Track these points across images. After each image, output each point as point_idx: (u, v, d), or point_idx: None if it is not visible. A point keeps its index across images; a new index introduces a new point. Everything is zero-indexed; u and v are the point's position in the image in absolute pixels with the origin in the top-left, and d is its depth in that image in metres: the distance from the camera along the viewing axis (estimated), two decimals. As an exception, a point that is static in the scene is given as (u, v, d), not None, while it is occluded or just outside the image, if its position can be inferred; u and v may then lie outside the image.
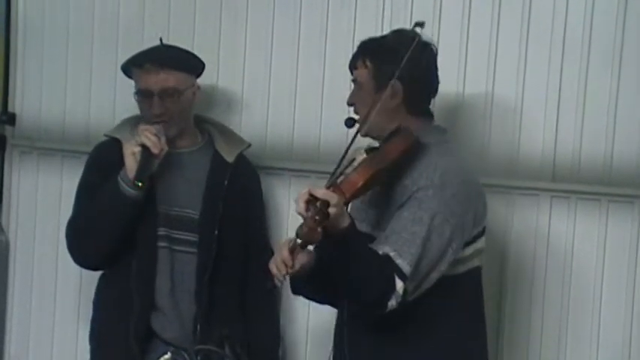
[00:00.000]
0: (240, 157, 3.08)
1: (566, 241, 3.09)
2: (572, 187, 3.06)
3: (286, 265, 2.38)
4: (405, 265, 2.30)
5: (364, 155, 2.37)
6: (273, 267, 2.43)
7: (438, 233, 2.35)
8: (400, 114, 2.51)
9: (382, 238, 2.36)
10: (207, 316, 2.93)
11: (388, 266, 2.29)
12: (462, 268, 2.47)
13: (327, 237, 2.21)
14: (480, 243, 2.52)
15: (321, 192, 2.21)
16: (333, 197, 2.20)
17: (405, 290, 2.29)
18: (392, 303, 2.29)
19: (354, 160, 2.37)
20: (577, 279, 3.09)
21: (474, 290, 2.57)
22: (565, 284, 3.10)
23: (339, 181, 2.31)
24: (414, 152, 2.43)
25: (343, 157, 2.38)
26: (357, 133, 2.46)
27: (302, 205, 2.19)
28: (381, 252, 2.32)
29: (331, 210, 2.17)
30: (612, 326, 3.07)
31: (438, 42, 3.04)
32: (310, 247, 2.39)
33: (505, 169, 3.12)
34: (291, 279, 2.55)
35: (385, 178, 2.40)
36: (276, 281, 2.43)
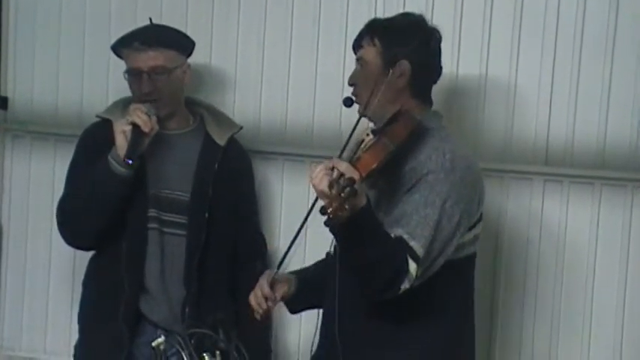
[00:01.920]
0: (232, 140, 3.07)
1: (559, 224, 3.10)
2: (566, 170, 3.07)
3: (267, 299, 2.50)
4: (418, 247, 2.29)
5: (371, 136, 2.34)
6: (253, 301, 2.52)
7: (449, 217, 2.35)
8: (404, 96, 2.49)
9: (392, 221, 2.35)
10: (197, 300, 2.93)
11: (401, 248, 2.29)
12: (462, 253, 2.47)
13: (345, 216, 2.18)
14: (478, 228, 2.52)
15: (345, 166, 2.18)
16: (355, 173, 2.18)
17: (416, 272, 2.29)
18: (405, 285, 2.28)
19: (362, 141, 2.35)
20: (570, 262, 3.10)
21: (471, 277, 2.58)
22: (558, 267, 3.11)
23: (354, 159, 2.28)
24: (417, 135, 2.42)
25: (351, 134, 2.36)
26: (363, 112, 2.44)
27: (325, 183, 2.14)
28: (393, 234, 2.31)
29: (357, 186, 2.13)
30: (605, 308, 3.09)
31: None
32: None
33: (498, 153, 3.12)
34: (285, 304, 2.65)
35: (391, 161, 2.38)
36: (256, 314, 2.53)
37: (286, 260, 2.55)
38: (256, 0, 3.34)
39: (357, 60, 2.57)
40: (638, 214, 3.04)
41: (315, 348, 2.61)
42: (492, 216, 3.11)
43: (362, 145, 2.33)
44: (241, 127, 3.13)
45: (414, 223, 2.32)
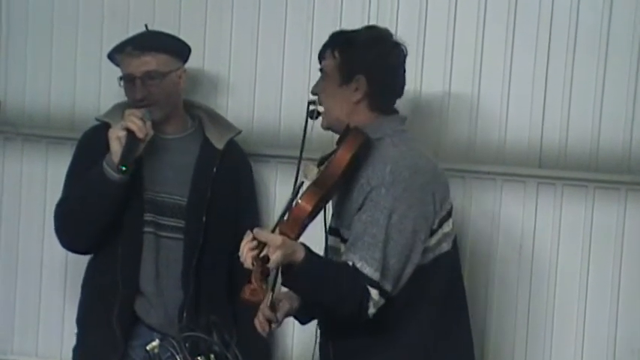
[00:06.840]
0: (231, 144, 3.07)
1: (552, 227, 3.11)
2: (559, 173, 3.08)
3: (270, 322, 2.55)
4: (373, 273, 2.33)
5: (315, 171, 2.39)
6: (258, 325, 2.57)
7: (399, 230, 2.37)
8: (361, 109, 2.52)
9: (349, 245, 2.39)
10: (194, 304, 2.93)
11: (358, 278, 2.33)
12: (430, 256, 2.48)
13: (288, 273, 2.26)
14: (447, 227, 2.53)
15: (264, 235, 2.25)
16: (277, 241, 2.23)
17: (382, 292, 2.34)
18: (371, 310, 2.34)
19: (302, 184, 2.39)
20: (563, 264, 3.12)
21: (446, 275, 2.56)
22: (551, 269, 3.12)
23: (285, 218, 2.32)
24: (364, 153, 2.44)
25: (297, 170, 2.46)
26: (323, 124, 2.52)
27: (249, 260, 2.24)
28: (350, 262, 2.35)
29: (274, 258, 2.20)
30: (599, 310, 3.10)
31: (425, 29, 3.07)
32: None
33: (492, 155, 3.13)
34: (294, 317, 2.69)
35: (340, 184, 2.42)
36: (264, 334, 2.58)
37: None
38: (249, 4, 3.34)
39: (320, 70, 2.60)
40: (631, 216, 3.06)
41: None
42: (486, 218, 3.13)
43: (298, 196, 2.35)
44: (240, 131, 3.13)
45: (365, 247, 2.35)
